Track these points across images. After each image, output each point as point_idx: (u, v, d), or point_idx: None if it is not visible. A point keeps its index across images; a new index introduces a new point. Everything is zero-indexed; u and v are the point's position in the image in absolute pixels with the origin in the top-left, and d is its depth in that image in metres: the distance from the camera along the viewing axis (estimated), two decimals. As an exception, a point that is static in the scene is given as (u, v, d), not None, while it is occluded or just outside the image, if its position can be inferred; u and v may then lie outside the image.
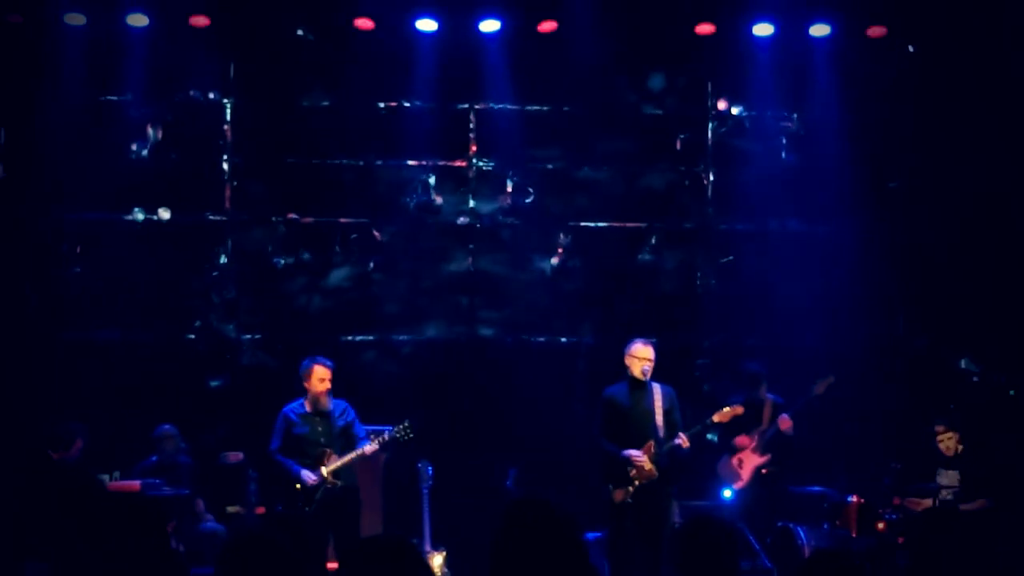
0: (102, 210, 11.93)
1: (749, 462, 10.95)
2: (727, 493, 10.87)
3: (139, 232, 11.92)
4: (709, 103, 12.51)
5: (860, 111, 12.31)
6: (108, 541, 5.49)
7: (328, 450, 9.96)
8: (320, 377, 10.05)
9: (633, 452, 9.71)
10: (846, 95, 12.33)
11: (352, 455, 9.97)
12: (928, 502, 10.01)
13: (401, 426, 9.99)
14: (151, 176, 11.90)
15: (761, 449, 10.95)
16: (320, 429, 10.06)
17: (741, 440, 10.95)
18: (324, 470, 9.89)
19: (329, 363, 10.13)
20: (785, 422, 10.84)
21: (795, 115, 12.37)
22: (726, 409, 10.07)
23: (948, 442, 10.23)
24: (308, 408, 10.11)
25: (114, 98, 11.96)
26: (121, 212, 11.93)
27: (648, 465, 9.68)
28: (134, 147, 11.80)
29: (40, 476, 9.77)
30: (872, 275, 12.30)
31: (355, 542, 5.36)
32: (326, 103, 12.24)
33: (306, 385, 10.11)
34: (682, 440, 9.75)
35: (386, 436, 9.98)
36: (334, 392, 10.19)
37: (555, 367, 12.25)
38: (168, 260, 11.98)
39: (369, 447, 9.94)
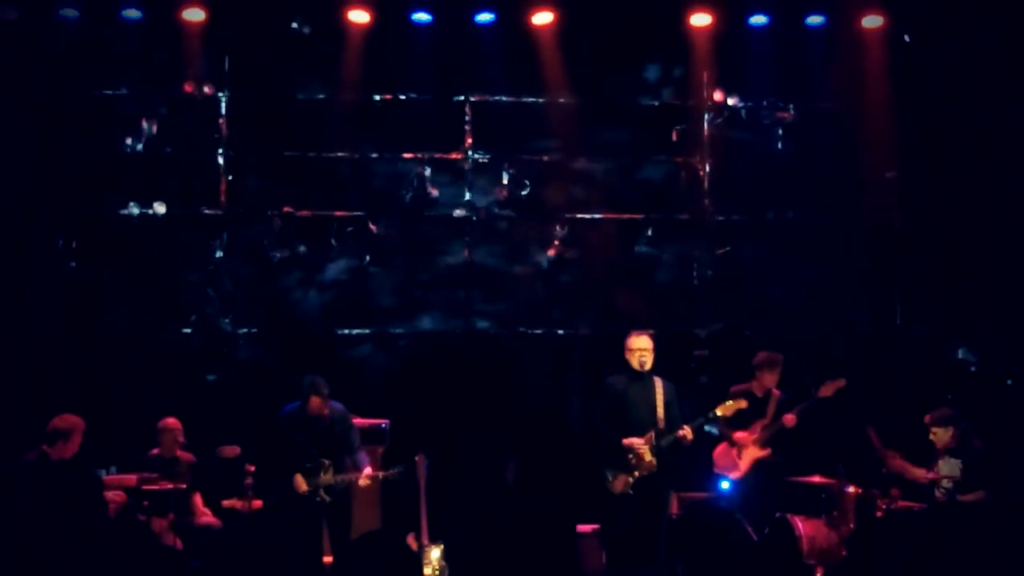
0: (97, 205, 11.89)
1: (749, 455, 10.89)
2: (725, 484, 10.83)
3: (134, 226, 11.91)
4: (705, 93, 12.48)
5: (856, 100, 12.30)
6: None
7: (326, 462, 10.03)
8: (314, 405, 10.05)
9: (635, 440, 9.66)
10: (842, 84, 12.32)
11: (347, 479, 10.06)
12: (921, 472, 10.03)
13: (397, 470, 10.10)
14: (146, 170, 11.88)
15: (762, 443, 10.88)
16: (316, 438, 10.09)
17: (740, 436, 10.88)
18: (319, 483, 9.99)
19: (327, 391, 10.07)
20: (791, 420, 10.78)
21: (791, 105, 12.37)
22: (729, 402, 10.02)
23: (936, 436, 10.19)
24: (307, 415, 10.11)
25: (108, 92, 11.93)
26: (116, 207, 11.90)
27: (648, 456, 9.64)
28: (129, 141, 11.79)
29: (37, 473, 9.73)
30: (869, 265, 12.30)
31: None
32: (321, 96, 12.22)
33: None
34: (686, 432, 9.69)
35: (381, 476, 10.16)
36: (333, 390, 10.17)
37: (552, 359, 12.24)
38: (164, 254, 11.96)
39: (363, 481, 10.06)
